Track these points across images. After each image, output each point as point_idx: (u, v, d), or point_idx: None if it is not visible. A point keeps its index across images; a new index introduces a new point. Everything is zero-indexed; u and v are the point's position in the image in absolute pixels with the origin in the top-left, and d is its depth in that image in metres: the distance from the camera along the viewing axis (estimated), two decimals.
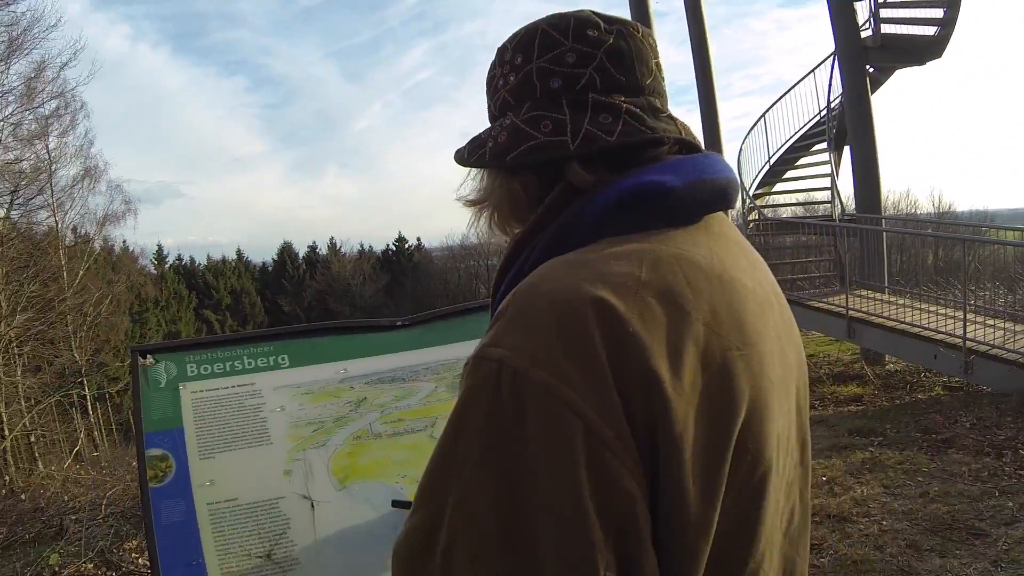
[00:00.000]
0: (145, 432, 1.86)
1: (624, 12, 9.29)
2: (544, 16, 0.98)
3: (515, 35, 0.99)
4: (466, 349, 2.23)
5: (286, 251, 50.54)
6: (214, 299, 45.43)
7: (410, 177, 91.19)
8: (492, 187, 1.02)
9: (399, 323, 2.21)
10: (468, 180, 1.06)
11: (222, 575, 1.76)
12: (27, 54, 18.38)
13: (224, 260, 48.91)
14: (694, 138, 0.98)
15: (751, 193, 13.64)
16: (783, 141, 13.81)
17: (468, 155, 1.00)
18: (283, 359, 2.08)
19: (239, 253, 50.03)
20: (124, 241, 34.71)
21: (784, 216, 14.41)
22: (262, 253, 58.39)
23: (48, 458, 18.58)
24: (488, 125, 1.03)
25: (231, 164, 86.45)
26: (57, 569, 5.10)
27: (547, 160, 0.91)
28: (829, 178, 12.82)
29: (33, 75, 19.62)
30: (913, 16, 11.88)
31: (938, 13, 11.55)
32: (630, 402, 0.72)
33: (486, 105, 1.05)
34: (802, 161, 13.87)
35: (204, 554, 1.77)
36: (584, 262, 0.81)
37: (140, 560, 5.21)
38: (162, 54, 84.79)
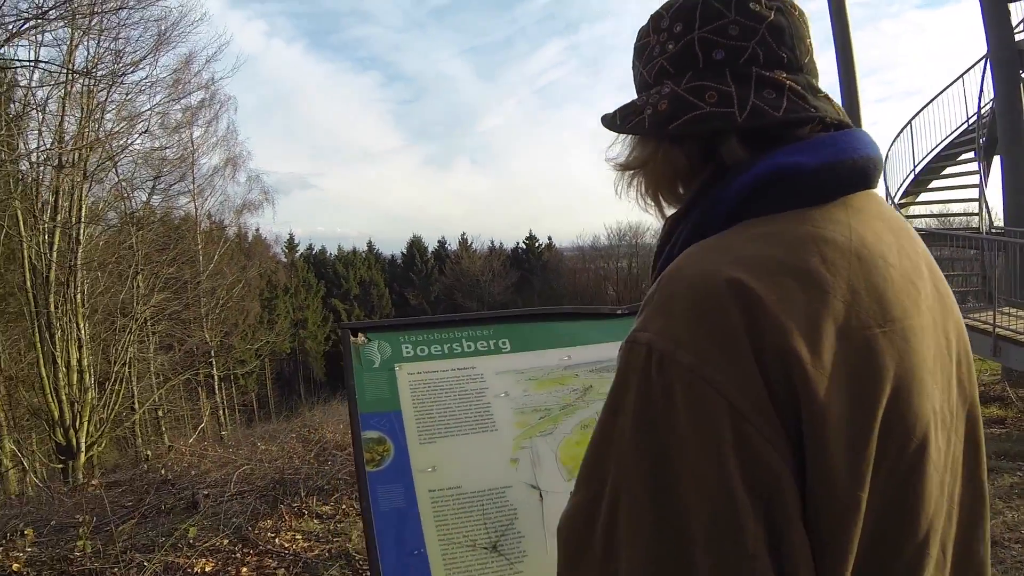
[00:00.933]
0: (360, 413, 1.80)
1: None
2: None
3: (671, 2, 0.97)
4: None
5: (415, 245, 52.04)
6: (343, 288, 47.07)
7: (540, 175, 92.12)
8: (648, 154, 1.00)
9: (619, 311, 2.21)
10: (616, 144, 1.06)
11: (445, 566, 1.65)
12: (175, 47, 19.10)
13: (355, 251, 50.63)
14: (848, 120, 0.95)
15: (896, 202, 13.03)
16: (929, 149, 13.23)
17: (622, 121, 0.99)
18: (504, 343, 2.05)
19: (370, 245, 51.87)
20: (257, 229, 36.28)
21: (929, 227, 13.65)
22: (390, 246, 60.25)
23: (173, 433, 19.56)
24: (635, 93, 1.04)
25: (361, 157, 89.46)
26: (193, 542, 5.18)
27: (710, 131, 0.91)
28: (977, 188, 12.17)
29: (180, 67, 20.54)
30: None
31: None
32: (771, 380, 0.74)
33: (635, 72, 1.04)
34: (949, 171, 13.21)
35: (426, 544, 1.68)
36: (722, 246, 0.84)
37: (276, 540, 5.30)
38: (296, 50, 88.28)
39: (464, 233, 52.99)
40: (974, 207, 12.57)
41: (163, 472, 7.62)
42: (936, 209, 13.69)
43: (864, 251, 0.84)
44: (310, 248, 49.82)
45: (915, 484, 0.83)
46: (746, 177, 0.87)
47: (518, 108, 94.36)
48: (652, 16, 1.00)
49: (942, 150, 13.13)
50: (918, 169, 13.34)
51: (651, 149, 0.98)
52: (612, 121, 1.02)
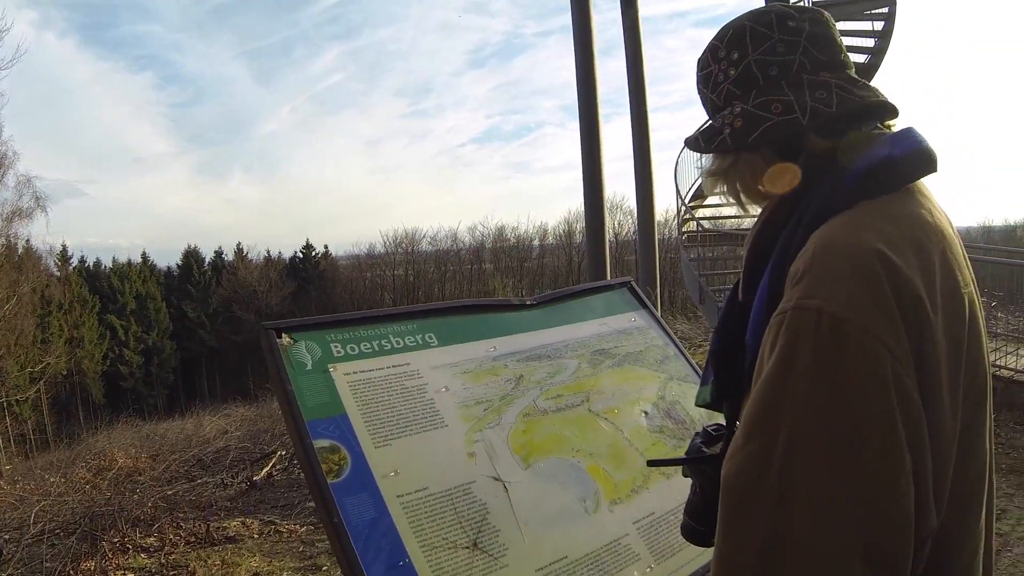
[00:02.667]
0: (306, 421, 1.72)
1: (567, 18, 9.35)
2: (741, 15, 1.18)
3: (722, 35, 1.18)
4: (594, 328, 2.46)
5: (192, 255, 49.45)
6: (119, 303, 43.96)
7: (316, 183, 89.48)
8: (729, 164, 1.18)
9: (529, 302, 2.34)
10: (702, 160, 1.26)
11: (432, 573, 1.62)
12: None
13: (130, 263, 47.37)
14: (887, 99, 1.14)
15: (687, 204, 13.86)
16: None
17: (706, 143, 1.17)
18: (431, 337, 2.07)
19: (144, 256, 48.54)
20: (28, 240, 33.01)
21: (724, 228, 14.62)
22: (165, 257, 56.77)
23: None
24: (706, 117, 1.25)
25: (133, 163, 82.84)
26: None
27: (782, 137, 1.09)
28: None
29: None
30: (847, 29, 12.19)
31: (869, 43, 11.91)
32: (909, 330, 0.92)
33: (703, 98, 1.24)
34: None
35: (409, 553, 1.62)
36: (860, 223, 1.00)
37: None
38: (69, 44, 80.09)
39: (240, 243, 51.11)
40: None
41: None
42: (728, 211, 14.65)
43: (939, 226, 1.05)
44: (83, 261, 46.04)
45: (981, 417, 1.05)
46: (859, 169, 1.05)
47: (295, 114, 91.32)
48: (709, 48, 1.20)
49: None
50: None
51: (731, 159, 1.17)
52: (697, 144, 1.20)
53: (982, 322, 1.09)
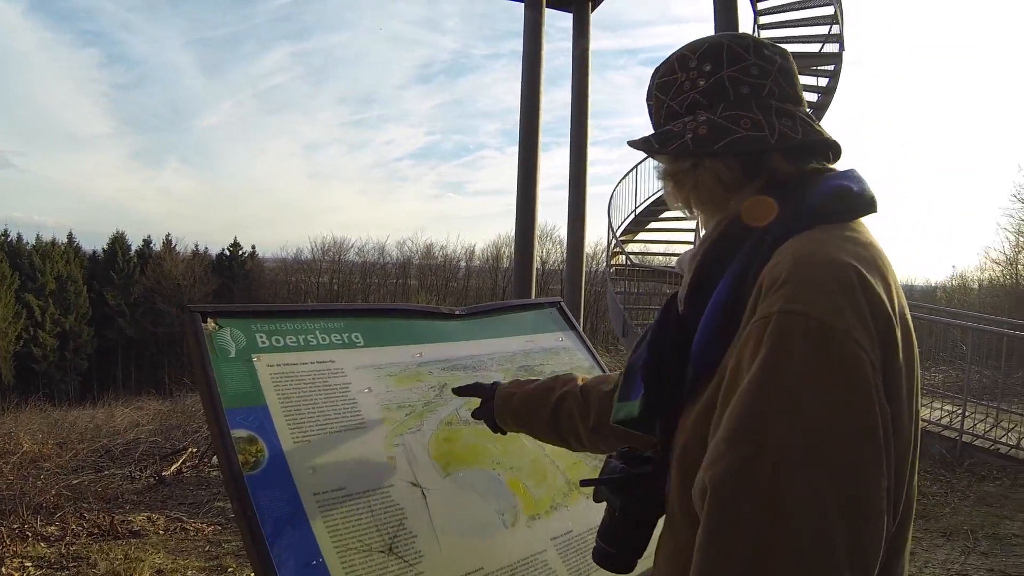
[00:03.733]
0: (225, 409, 1.67)
1: (518, 43, 9.44)
2: (718, 34, 1.21)
3: (695, 47, 1.20)
4: (521, 344, 2.46)
5: (118, 242, 48.05)
6: (38, 283, 42.44)
7: (251, 182, 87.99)
8: (685, 169, 1.21)
9: (457, 312, 2.34)
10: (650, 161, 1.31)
11: (346, 575, 1.58)
12: None
13: (54, 242, 45.84)
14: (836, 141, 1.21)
15: (618, 238, 14.05)
16: (650, 193, 14.32)
17: (662, 144, 1.19)
18: (357, 337, 2.05)
19: (70, 237, 47.02)
20: None
21: (652, 264, 14.88)
22: (92, 240, 55.01)
23: None
24: (652, 122, 1.28)
25: (68, 140, 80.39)
26: None
27: (750, 151, 1.13)
28: (693, 233, 13.34)
29: None
30: None
31: (813, 98, 12.31)
32: (880, 341, 0.95)
33: (656, 104, 1.25)
34: (667, 214, 14.40)
35: (322, 552, 1.57)
36: (830, 240, 1.04)
37: (2, 570, 4.65)
38: (16, 9, 76.62)
39: (169, 234, 50.17)
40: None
41: None
42: (656, 248, 14.96)
43: (885, 257, 1.09)
44: (5, 234, 44.43)
45: (918, 424, 1.07)
46: (823, 191, 1.10)
47: (237, 109, 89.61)
48: (676, 57, 1.22)
49: (662, 195, 14.04)
50: (638, 210, 14.47)
51: (690, 163, 1.19)
52: (649, 144, 1.22)
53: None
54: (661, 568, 1.19)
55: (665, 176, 1.25)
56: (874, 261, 1.04)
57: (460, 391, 1.90)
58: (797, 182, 1.14)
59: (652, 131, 1.26)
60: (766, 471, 0.89)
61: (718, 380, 1.05)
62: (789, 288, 0.96)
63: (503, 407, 1.78)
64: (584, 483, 1.41)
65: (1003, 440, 7.96)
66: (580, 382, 1.68)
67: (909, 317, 1.08)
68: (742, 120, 1.13)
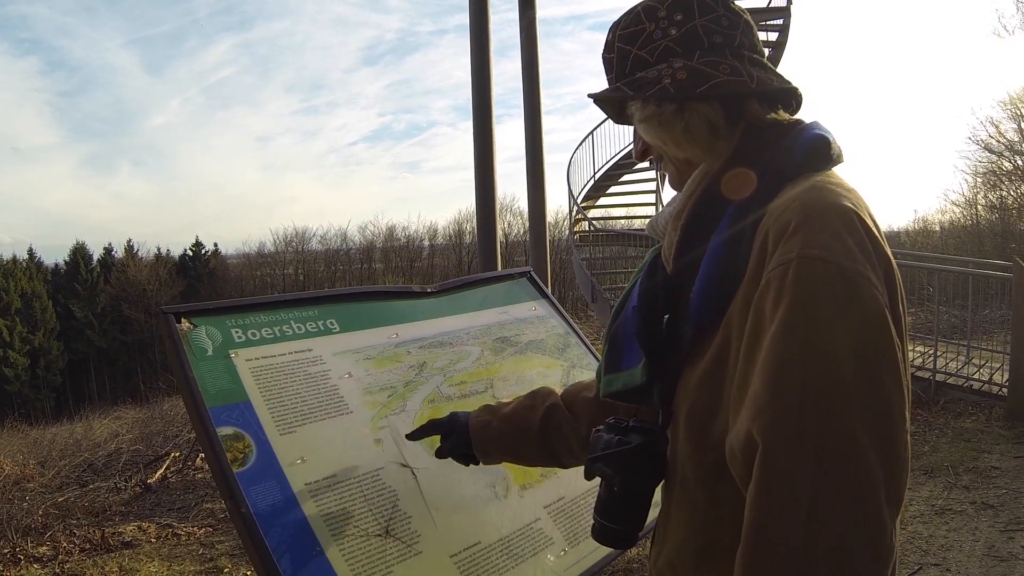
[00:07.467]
0: (209, 408, 1.66)
1: (464, 17, 9.37)
2: None
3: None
4: (495, 316, 2.48)
5: (79, 252, 47.29)
6: (3, 302, 41.62)
7: (206, 179, 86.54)
8: (676, 111, 1.17)
9: (430, 289, 2.34)
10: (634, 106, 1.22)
11: (346, 562, 1.58)
12: None
13: (15, 260, 44.90)
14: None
15: (579, 205, 14.08)
16: (608, 158, 14.38)
17: (638, 90, 1.17)
18: (332, 323, 2.04)
19: (31, 252, 46.13)
20: None
21: (615, 228, 14.91)
22: (52, 254, 54.03)
23: None
24: (606, 76, 1.26)
25: (13, 153, 78.71)
26: None
27: (733, 94, 1.14)
28: (654, 194, 13.40)
29: None
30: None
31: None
32: (883, 281, 0.97)
33: (618, 54, 1.22)
34: (627, 177, 14.45)
35: (320, 541, 1.58)
36: (826, 187, 1.05)
37: None
38: None
39: (130, 239, 49.62)
40: (650, 211, 13.85)
41: None
42: (618, 212, 14.98)
43: (864, 201, 1.10)
44: None
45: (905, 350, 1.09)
46: (805, 141, 1.13)
47: (185, 107, 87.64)
48: (643, 9, 1.20)
49: (621, 159, 14.36)
50: (597, 176, 14.54)
51: (674, 107, 1.16)
52: (620, 92, 1.20)
53: None
54: (674, 535, 1.19)
55: (647, 119, 1.20)
56: (864, 207, 1.05)
57: (413, 436, 1.80)
58: (774, 131, 1.16)
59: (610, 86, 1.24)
60: (812, 416, 0.90)
61: (722, 336, 1.06)
62: (803, 234, 0.97)
63: (482, 438, 1.69)
64: (590, 460, 1.30)
65: (975, 376, 8.13)
66: (559, 395, 1.65)
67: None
68: (720, 66, 1.14)
